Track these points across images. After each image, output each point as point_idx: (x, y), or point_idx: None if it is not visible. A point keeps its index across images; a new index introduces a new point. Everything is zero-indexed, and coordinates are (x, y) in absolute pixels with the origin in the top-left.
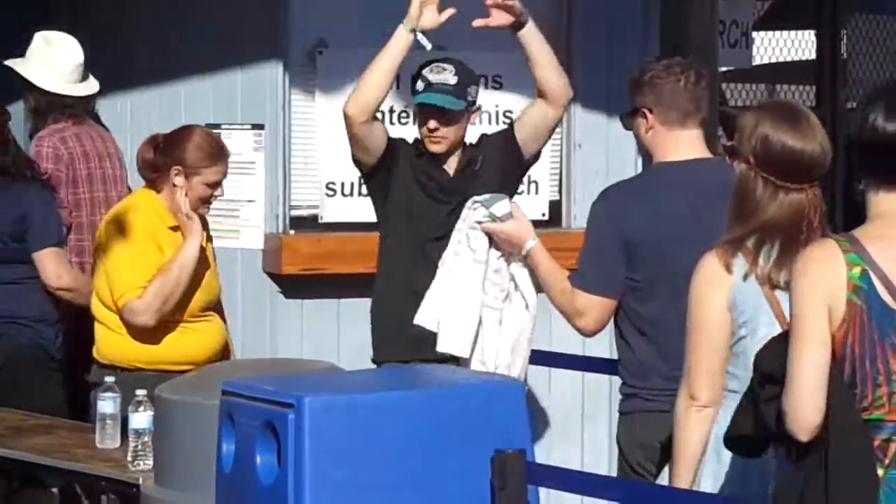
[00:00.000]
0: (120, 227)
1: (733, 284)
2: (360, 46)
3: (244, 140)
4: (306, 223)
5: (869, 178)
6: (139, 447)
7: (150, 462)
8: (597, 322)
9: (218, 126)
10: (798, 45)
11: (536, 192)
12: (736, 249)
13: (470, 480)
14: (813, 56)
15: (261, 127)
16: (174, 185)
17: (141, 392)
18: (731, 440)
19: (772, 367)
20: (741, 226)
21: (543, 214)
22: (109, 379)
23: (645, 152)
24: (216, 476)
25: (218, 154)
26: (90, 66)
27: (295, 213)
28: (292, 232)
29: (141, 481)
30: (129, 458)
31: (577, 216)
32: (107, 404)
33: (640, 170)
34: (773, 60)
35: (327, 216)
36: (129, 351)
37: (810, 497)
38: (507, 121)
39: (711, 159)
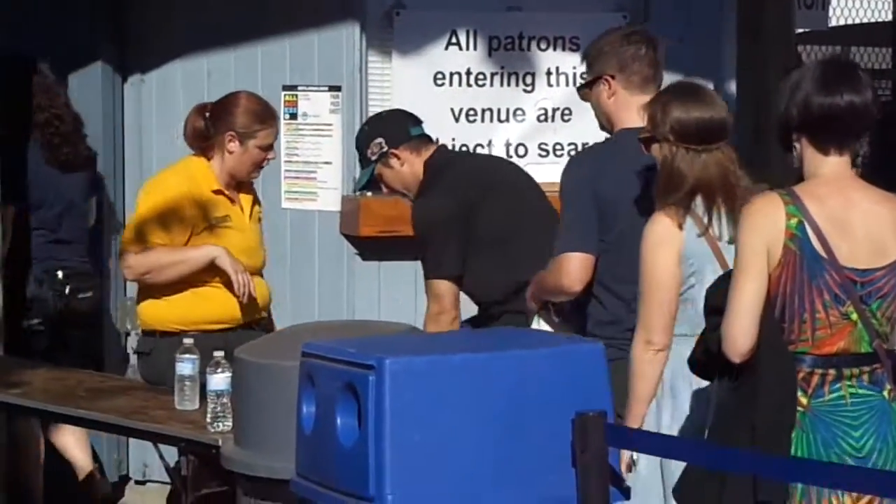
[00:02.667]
0: (157, 187)
1: (684, 241)
2: (437, 7)
3: (321, 102)
4: None
5: (810, 146)
6: (218, 408)
7: (230, 423)
8: (580, 279)
9: (295, 87)
10: (875, 5)
11: None
12: (685, 210)
13: (551, 443)
14: (890, 17)
15: (338, 89)
16: (228, 153)
17: (218, 353)
18: (691, 363)
19: (718, 301)
20: (675, 195)
21: None
22: (188, 341)
23: (604, 121)
24: (297, 437)
25: (268, 115)
26: (168, 25)
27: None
28: (369, 194)
29: (220, 442)
30: (209, 420)
31: None
32: (185, 366)
33: None
34: (850, 22)
35: None
36: (169, 314)
37: (743, 417)
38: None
39: None
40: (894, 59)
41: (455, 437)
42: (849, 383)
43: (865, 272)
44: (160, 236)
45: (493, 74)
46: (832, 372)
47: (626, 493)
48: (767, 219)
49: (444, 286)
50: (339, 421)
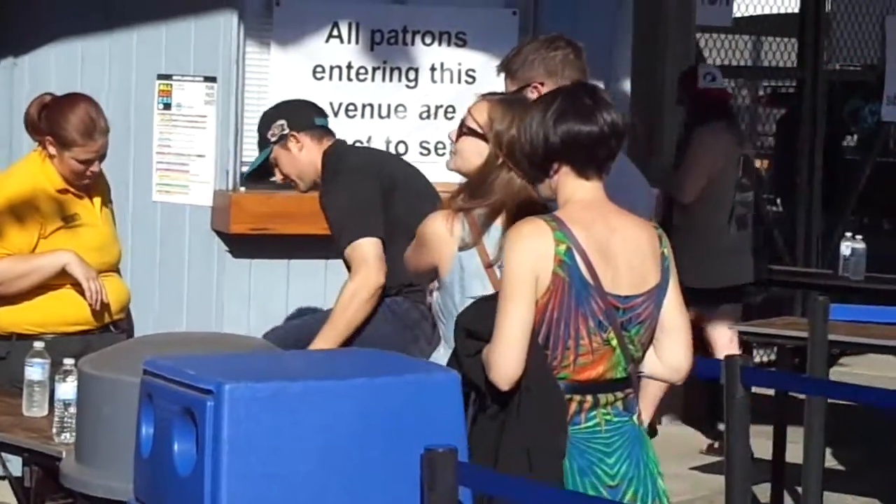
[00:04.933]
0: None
1: (454, 250)
2: None
3: (196, 92)
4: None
5: (571, 172)
6: (66, 418)
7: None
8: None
9: (170, 77)
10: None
11: None
12: (465, 218)
13: (399, 478)
14: (796, 10)
15: (213, 80)
16: (49, 155)
17: (68, 361)
18: None
19: (476, 325)
20: (473, 199)
21: None
22: (39, 345)
23: None
24: (135, 459)
25: (91, 133)
26: (42, 6)
27: (246, 169)
28: (242, 189)
29: (64, 455)
30: (55, 430)
31: None
32: (35, 371)
33: None
34: (756, 13)
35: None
36: (23, 316)
37: (507, 442)
38: (469, 80)
39: None
40: (800, 53)
41: (297, 468)
42: (604, 411)
43: (627, 298)
44: (6, 244)
45: (374, 69)
46: (589, 399)
47: None
48: (536, 246)
49: (370, 245)
50: (176, 447)
